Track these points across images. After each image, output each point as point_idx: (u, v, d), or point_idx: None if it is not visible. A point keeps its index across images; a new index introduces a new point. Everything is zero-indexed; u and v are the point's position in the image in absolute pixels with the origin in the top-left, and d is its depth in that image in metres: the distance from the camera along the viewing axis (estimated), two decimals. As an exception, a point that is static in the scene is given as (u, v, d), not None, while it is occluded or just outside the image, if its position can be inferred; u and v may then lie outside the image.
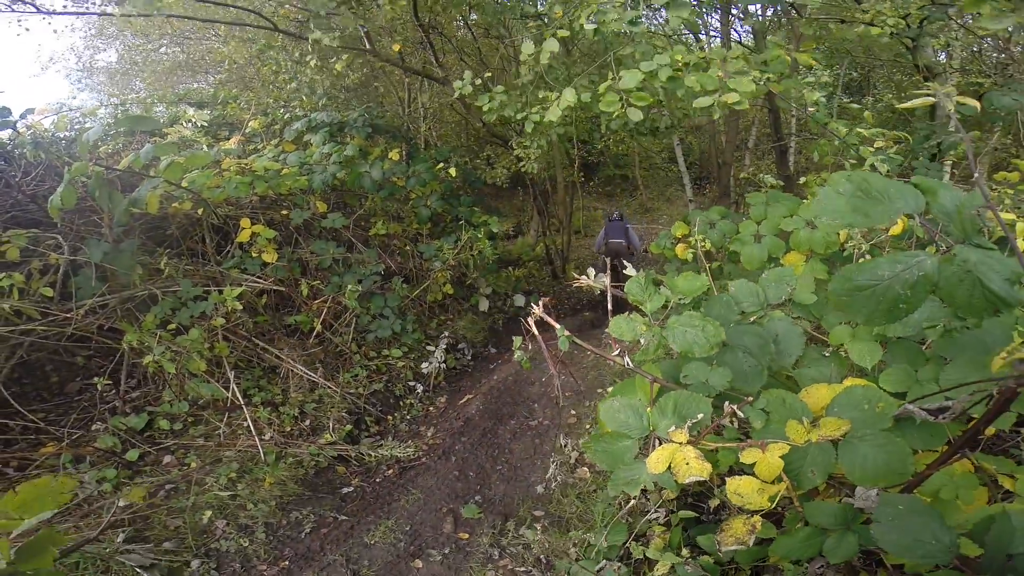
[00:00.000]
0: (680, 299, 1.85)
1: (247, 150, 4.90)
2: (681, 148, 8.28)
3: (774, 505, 1.36)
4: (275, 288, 3.99)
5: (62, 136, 4.71)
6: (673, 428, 1.39)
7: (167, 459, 3.44)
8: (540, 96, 3.60)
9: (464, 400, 4.47)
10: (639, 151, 11.72)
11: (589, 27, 3.03)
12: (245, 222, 3.91)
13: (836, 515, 1.40)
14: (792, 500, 1.49)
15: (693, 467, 1.25)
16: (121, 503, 2.65)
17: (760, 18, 6.12)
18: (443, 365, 4.81)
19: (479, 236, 5.08)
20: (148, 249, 3.69)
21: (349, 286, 4.09)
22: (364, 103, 7.16)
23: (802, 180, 4.09)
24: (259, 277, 3.95)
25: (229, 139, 5.11)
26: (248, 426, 3.65)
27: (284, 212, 4.33)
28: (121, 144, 4.76)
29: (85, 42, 12.08)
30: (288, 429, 3.83)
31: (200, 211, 3.83)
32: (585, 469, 3.32)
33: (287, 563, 2.83)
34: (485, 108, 4.33)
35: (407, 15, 4.96)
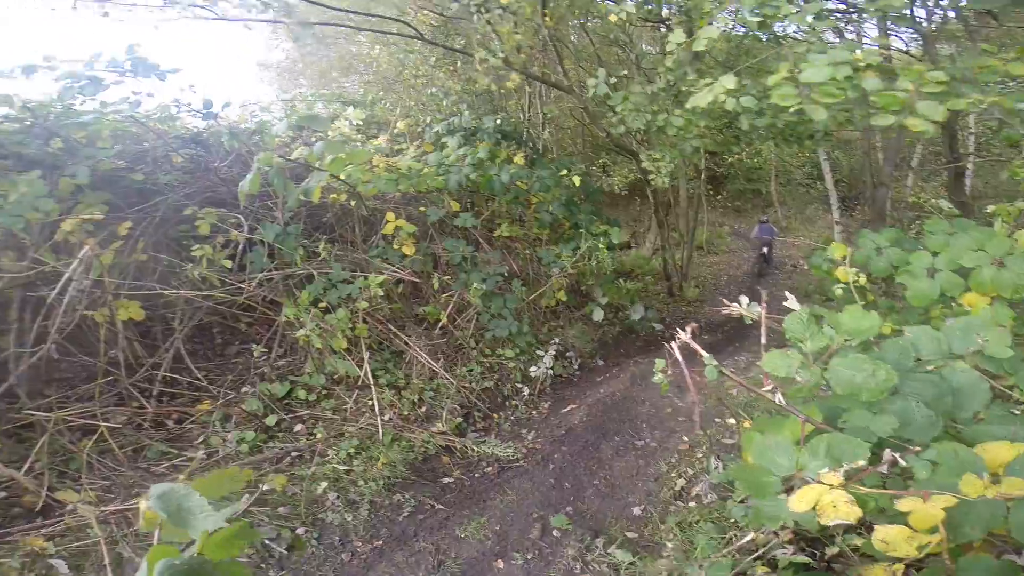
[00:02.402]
0: (846, 340, 1.68)
1: (393, 149, 5.32)
2: (829, 163, 7.54)
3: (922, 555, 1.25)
4: (410, 279, 4.27)
5: (243, 127, 5.47)
6: (825, 470, 1.30)
7: (298, 427, 3.77)
8: (682, 90, 3.42)
9: (567, 409, 4.45)
10: (776, 164, 10.87)
11: (752, 19, 2.83)
12: (390, 216, 4.24)
13: (995, 572, 1.24)
14: (940, 553, 1.35)
15: (841, 510, 1.17)
16: (264, 487, 2.95)
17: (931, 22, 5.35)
18: (550, 371, 4.84)
19: (599, 246, 5.04)
20: (307, 233, 4.13)
21: (475, 284, 4.27)
22: (489, 108, 7.45)
23: (989, 209, 3.51)
24: (398, 267, 4.26)
25: (377, 137, 5.60)
26: (373, 404, 3.92)
27: (422, 208, 4.63)
28: (289, 137, 5.41)
29: (260, 41, 13.69)
30: (406, 413, 4.05)
31: (352, 203, 4.22)
32: (693, 501, 3.15)
33: (381, 543, 2.96)
34: (618, 109, 4.26)
35: (531, 21, 5.03)
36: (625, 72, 6.11)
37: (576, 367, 5.31)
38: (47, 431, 3.19)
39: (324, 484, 3.22)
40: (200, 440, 3.64)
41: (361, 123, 5.65)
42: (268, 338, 4.16)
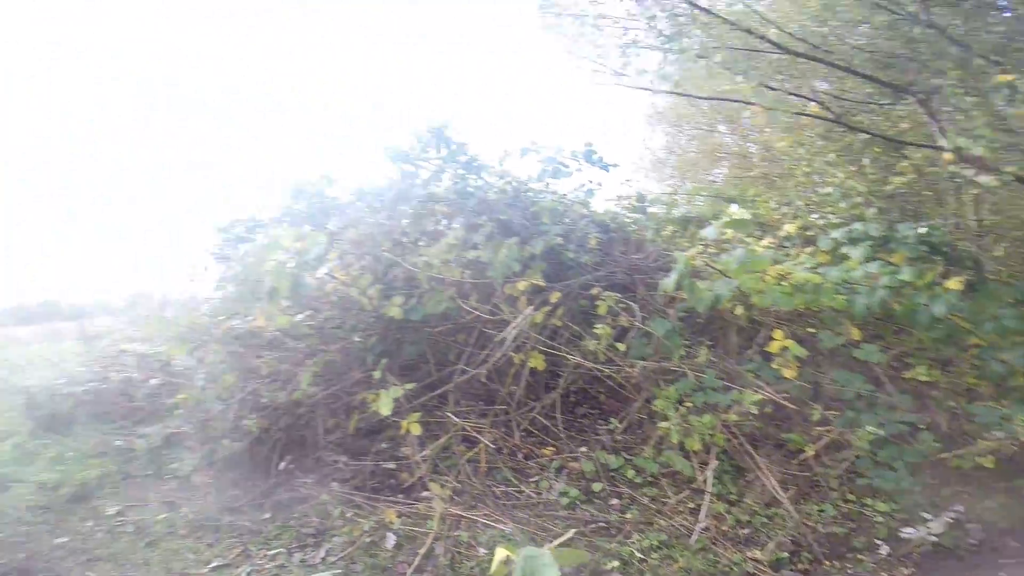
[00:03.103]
0: None
1: (780, 255, 5.01)
2: None
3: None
4: (784, 403, 3.88)
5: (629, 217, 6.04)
6: None
7: (614, 501, 3.82)
8: None
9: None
10: None
11: None
12: (777, 334, 3.96)
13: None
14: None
15: None
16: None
17: None
18: (933, 538, 3.60)
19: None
20: (683, 331, 4.22)
21: (868, 427, 3.54)
22: (902, 213, 6.27)
23: None
24: (773, 388, 3.91)
25: (762, 239, 5.38)
26: (695, 508, 3.70)
27: (811, 329, 4.16)
28: (672, 230, 5.73)
29: (650, 127, 15.09)
30: (725, 528, 3.68)
31: (736, 310, 4.11)
32: None
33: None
34: None
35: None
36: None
37: (974, 542, 3.84)
38: (449, 432, 4.08)
39: (616, 563, 3.18)
40: (533, 479, 4.07)
41: (745, 222, 5.55)
42: (621, 415, 4.41)
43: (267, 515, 3.57)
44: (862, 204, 6.12)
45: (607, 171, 4.24)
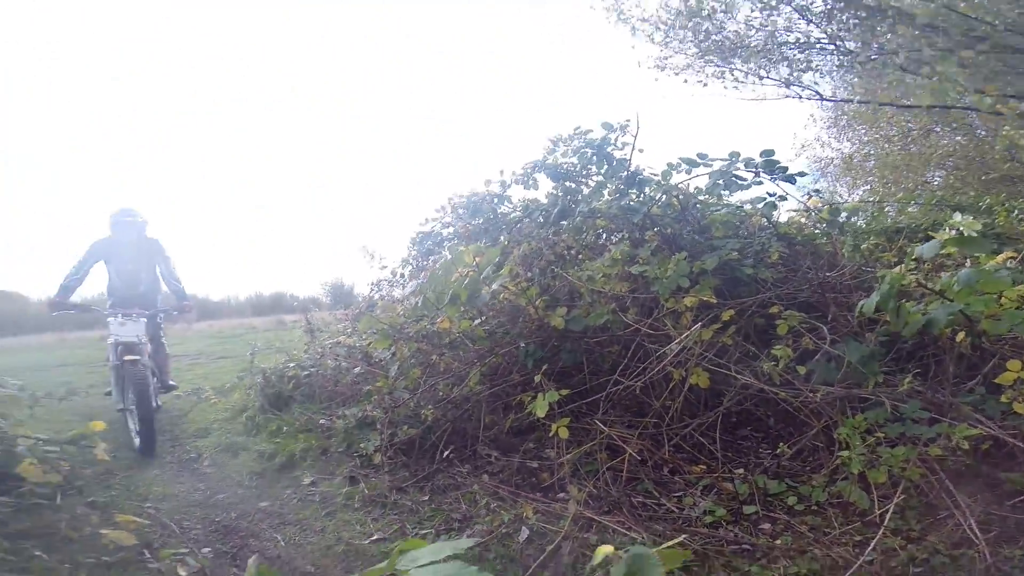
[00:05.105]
0: None
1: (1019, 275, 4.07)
2: None
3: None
4: (1014, 442, 3.15)
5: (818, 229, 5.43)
6: None
7: (765, 526, 3.42)
8: None
9: None
10: None
11: None
12: (1013, 364, 3.22)
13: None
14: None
15: None
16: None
17: None
18: None
19: None
20: (881, 357, 3.66)
21: None
22: None
23: None
24: (997, 423, 3.21)
25: (997, 254, 4.43)
26: (859, 540, 3.14)
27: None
28: (872, 245, 5.00)
29: (828, 133, 13.55)
30: (893, 564, 3.05)
31: (960, 337, 3.44)
32: None
33: None
34: None
35: None
36: None
37: None
38: (595, 439, 4.06)
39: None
40: (676, 494, 3.83)
41: (976, 234, 4.61)
42: (792, 440, 3.97)
43: (425, 497, 3.89)
44: None
45: (792, 182, 3.88)
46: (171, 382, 6.35)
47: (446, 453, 4.26)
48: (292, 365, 6.20)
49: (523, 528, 3.37)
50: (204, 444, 5.44)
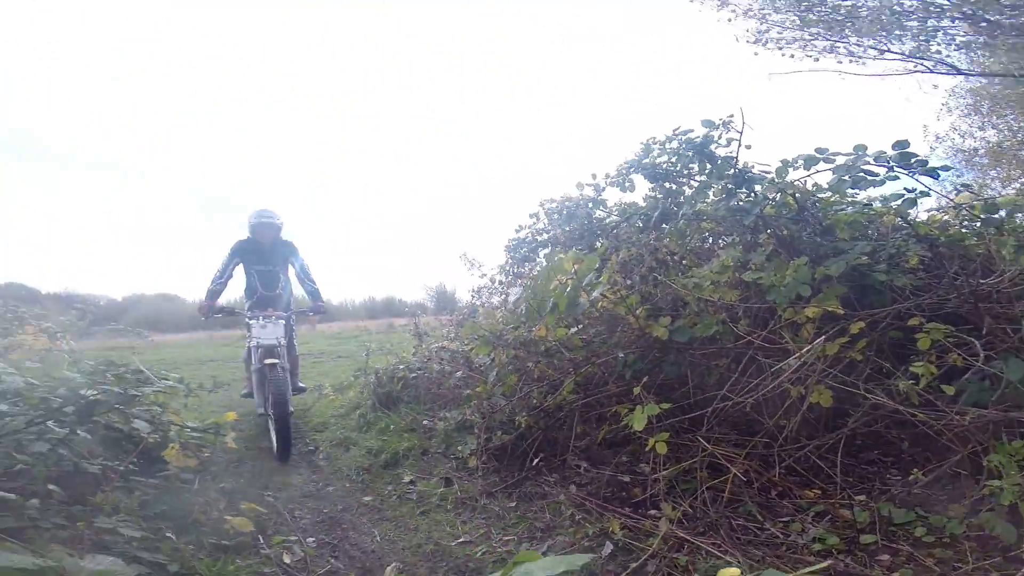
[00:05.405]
0: None
1: None
2: None
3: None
4: None
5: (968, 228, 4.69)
6: None
7: (883, 556, 2.99)
8: None
9: None
10: None
11: None
12: None
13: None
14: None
15: None
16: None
17: None
18: None
19: None
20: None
21: None
22: None
23: None
24: None
25: None
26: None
27: None
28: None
29: (966, 121, 11.90)
30: None
31: None
32: None
33: None
34: None
35: None
36: None
37: None
38: (696, 456, 3.81)
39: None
40: (784, 519, 3.47)
41: None
42: (930, 467, 3.46)
43: (512, 504, 3.90)
44: None
45: (936, 176, 3.38)
46: (300, 384, 6.49)
47: (535, 461, 4.26)
48: (402, 367, 6.56)
49: (607, 543, 3.27)
50: (321, 438, 5.90)
